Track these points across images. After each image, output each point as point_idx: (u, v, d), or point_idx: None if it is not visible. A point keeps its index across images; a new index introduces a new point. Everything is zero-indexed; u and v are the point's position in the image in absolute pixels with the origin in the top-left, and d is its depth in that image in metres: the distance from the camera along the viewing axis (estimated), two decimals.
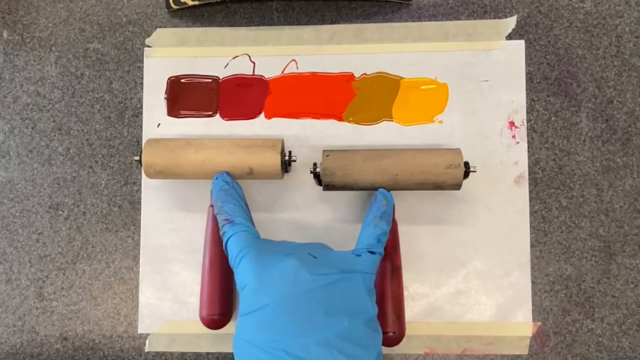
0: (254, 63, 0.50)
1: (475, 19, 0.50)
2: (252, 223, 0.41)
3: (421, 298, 0.47)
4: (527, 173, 0.48)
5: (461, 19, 0.50)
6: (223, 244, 0.39)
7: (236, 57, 0.50)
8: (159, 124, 0.50)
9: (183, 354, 0.48)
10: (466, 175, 0.43)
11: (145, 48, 0.51)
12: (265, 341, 0.30)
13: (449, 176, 0.42)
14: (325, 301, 0.32)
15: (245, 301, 0.34)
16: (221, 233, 0.40)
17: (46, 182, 0.51)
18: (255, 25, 0.51)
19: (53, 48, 0.52)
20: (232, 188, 0.42)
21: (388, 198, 0.41)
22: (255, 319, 0.32)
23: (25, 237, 0.50)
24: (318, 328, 0.30)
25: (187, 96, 0.50)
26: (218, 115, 0.50)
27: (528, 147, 0.48)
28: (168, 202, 0.49)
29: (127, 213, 0.50)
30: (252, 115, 0.50)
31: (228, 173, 0.43)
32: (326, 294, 0.32)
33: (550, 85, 0.49)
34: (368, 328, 0.32)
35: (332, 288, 0.33)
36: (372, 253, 0.37)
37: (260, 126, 0.49)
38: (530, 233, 0.48)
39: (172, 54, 0.51)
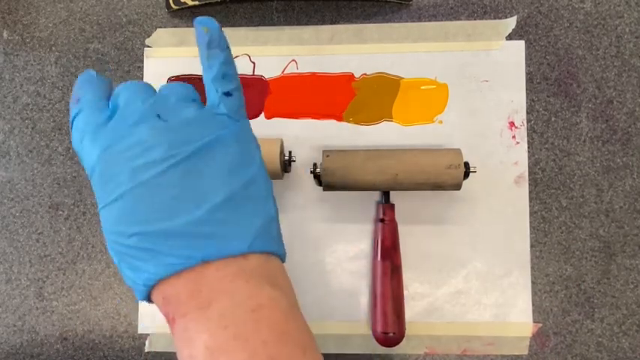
0: (254, 63, 0.50)
1: (475, 19, 0.50)
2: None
3: (421, 298, 0.47)
4: (527, 173, 0.48)
5: (461, 20, 0.50)
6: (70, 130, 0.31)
7: (236, 57, 0.50)
8: None
9: None
10: (466, 175, 0.43)
11: (145, 48, 0.51)
12: (121, 233, 0.26)
13: (449, 176, 0.43)
14: (183, 181, 0.27)
15: (96, 191, 0.28)
16: (70, 120, 0.31)
17: (46, 182, 0.51)
18: (255, 25, 0.51)
19: (53, 48, 0.52)
20: (96, 79, 0.33)
21: (207, 23, 0.31)
22: (111, 212, 0.27)
23: (25, 237, 0.50)
24: (176, 213, 0.26)
25: None
26: None
27: (528, 147, 0.48)
28: None
29: None
30: (252, 115, 0.50)
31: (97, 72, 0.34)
32: (183, 172, 0.27)
33: (550, 86, 0.49)
34: (243, 198, 0.28)
35: (190, 164, 0.27)
36: (227, 94, 0.30)
37: (260, 126, 0.49)
38: (530, 233, 0.48)
39: (172, 54, 0.51)
